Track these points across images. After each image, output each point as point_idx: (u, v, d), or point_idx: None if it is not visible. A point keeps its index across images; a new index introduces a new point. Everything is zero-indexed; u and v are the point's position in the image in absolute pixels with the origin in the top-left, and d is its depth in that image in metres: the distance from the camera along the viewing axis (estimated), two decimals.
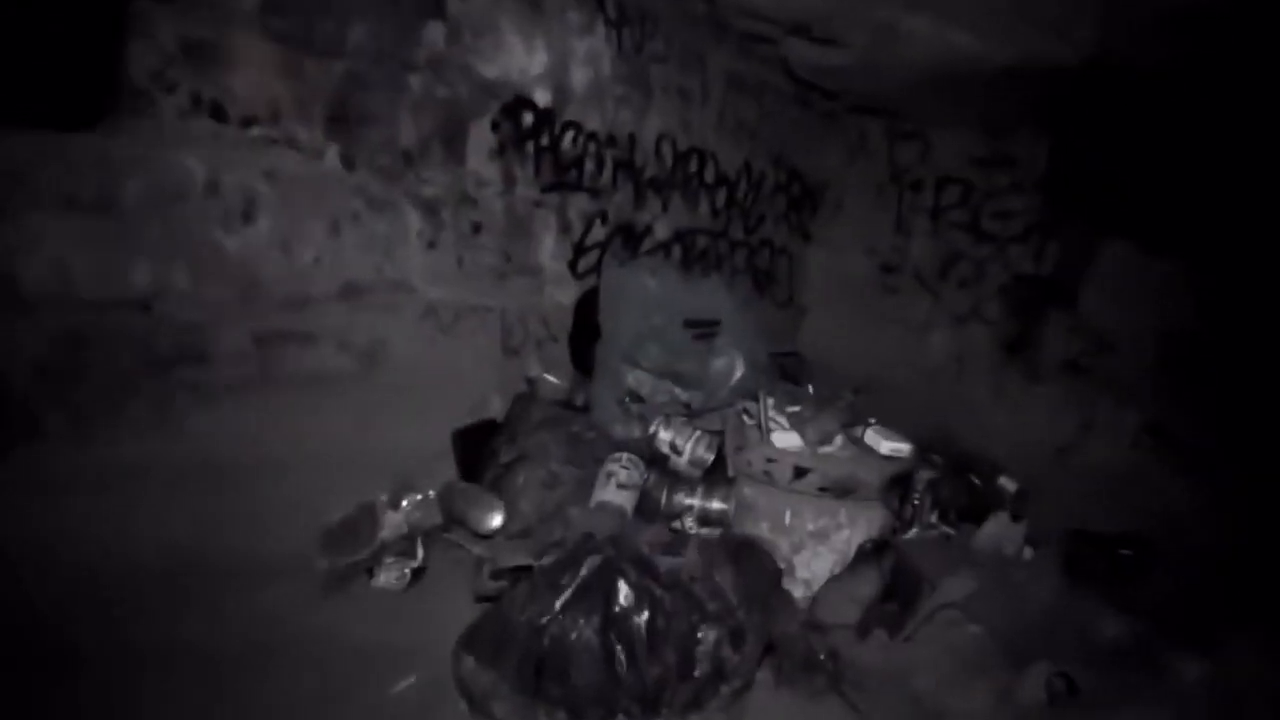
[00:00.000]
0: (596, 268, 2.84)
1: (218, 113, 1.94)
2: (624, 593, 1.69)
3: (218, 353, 2.07)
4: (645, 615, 1.67)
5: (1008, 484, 2.95)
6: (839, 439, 2.20)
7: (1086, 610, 1.84)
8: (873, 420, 2.31)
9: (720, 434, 2.34)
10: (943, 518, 2.46)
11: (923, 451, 3.12)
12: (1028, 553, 2.30)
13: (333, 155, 2.18)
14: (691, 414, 2.38)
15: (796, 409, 2.28)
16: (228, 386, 2.08)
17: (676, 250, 3.11)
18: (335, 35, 2.15)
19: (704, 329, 2.47)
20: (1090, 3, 2.25)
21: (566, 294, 2.76)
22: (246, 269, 2.08)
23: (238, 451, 2.06)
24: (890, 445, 2.16)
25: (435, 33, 2.32)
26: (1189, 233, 2.85)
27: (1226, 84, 2.55)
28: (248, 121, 2.00)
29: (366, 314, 2.32)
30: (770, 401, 2.35)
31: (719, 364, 2.39)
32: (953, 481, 2.70)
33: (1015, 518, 2.36)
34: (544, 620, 1.64)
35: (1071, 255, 3.16)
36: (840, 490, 2.08)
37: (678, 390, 2.38)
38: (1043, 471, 3.04)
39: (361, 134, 2.22)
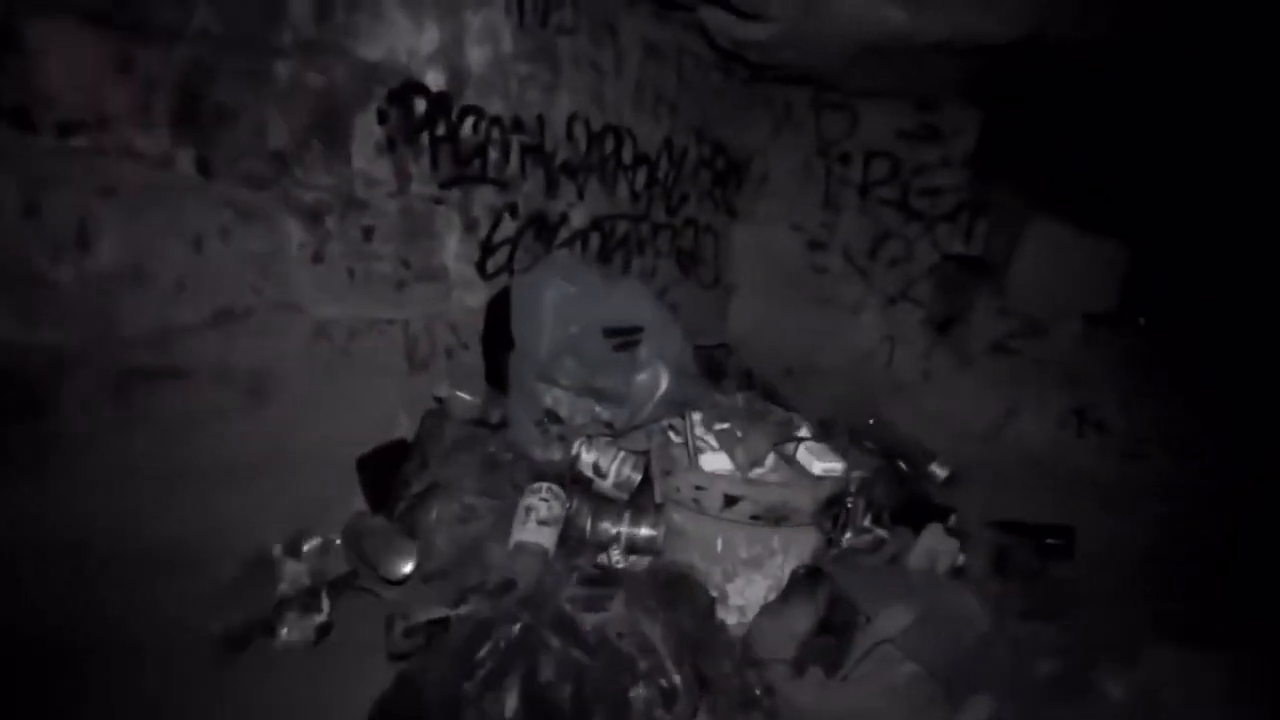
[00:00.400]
0: (508, 265, 2.60)
1: (22, 120, 1.59)
2: (546, 665, 1.57)
3: (63, 401, 1.78)
4: (570, 688, 1.56)
5: (939, 470, 2.97)
6: (770, 459, 2.10)
7: (1020, 638, 1.82)
8: (805, 434, 2.22)
9: (647, 453, 2.22)
10: (876, 520, 2.42)
11: (853, 437, 3.12)
12: (961, 558, 2.29)
13: (186, 162, 1.86)
14: (615, 434, 2.23)
15: (725, 426, 2.17)
16: (81, 438, 1.80)
17: (595, 239, 2.88)
18: (174, 16, 1.80)
19: (625, 337, 2.30)
20: None
21: (476, 297, 2.52)
22: (89, 303, 1.77)
23: (99, 511, 1.81)
24: (823, 465, 2.07)
25: (302, 9, 1.98)
26: (1118, 212, 2.84)
27: (1159, 62, 2.48)
28: (67, 129, 1.67)
29: (247, 340, 2.04)
30: (697, 418, 2.22)
31: (642, 378, 2.23)
32: (885, 480, 2.67)
33: (950, 531, 2.35)
34: (462, 699, 1.52)
35: (1000, 235, 3.12)
36: (773, 518, 1.99)
37: (599, 409, 2.22)
38: (972, 453, 3.07)
39: (220, 135, 1.90)
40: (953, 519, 2.59)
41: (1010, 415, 3.09)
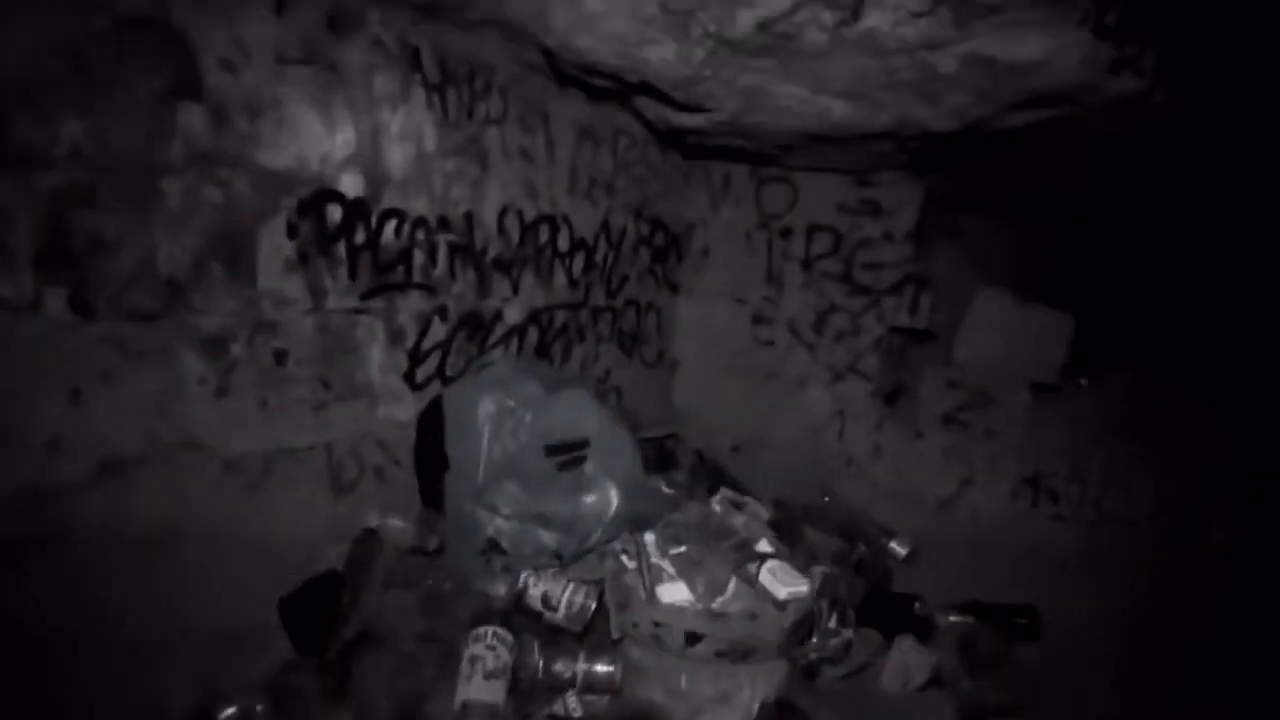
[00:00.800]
0: (439, 372, 2.40)
1: None
2: None
3: None
4: None
5: (898, 548, 2.91)
6: (732, 585, 1.97)
7: None
8: (769, 550, 2.11)
9: (601, 581, 2.05)
10: (841, 620, 2.32)
11: (808, 515, 3.03)
12: (931, 658, 2.21)
13: (57, 302, 1.62)
14: (563, 563, 2.06)
15: (681, 550, 2.03)
16: None
17: (532, 333, 2.71)
18: (36, 139, 1.57)
19: (570, 453, 2.14)
20: (965, 82, 2.07)
21: (405, 410, 2.32)
22: None
23: None
24: (788, 589, 1.95)
25: (193, 119, 1.77)
26: (1063, 281, 2.87)
27: (1094, 137, 2.51)
28: None
29: (140, 492, 1.79)
30: (650, 541, 2.08)
31: (590, 500, 2.07)
32: (847, 572, 2.58)
33: (916, 620, 2.27)
34: None
35: (946, 307, 3.10)
36: (738, 653, 1.86)
37: (544, 536, 2.05)
38: (928, 527, 3.02)
39: (98, 269, 1.66)
40: (917, 606, 2.54)
41: (964, 487, 3.06)
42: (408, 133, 2.17)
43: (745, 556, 2.04)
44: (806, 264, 3.20)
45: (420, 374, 2.34)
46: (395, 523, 2.19)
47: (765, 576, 1.99)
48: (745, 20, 1.94)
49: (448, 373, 2.42)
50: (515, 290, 2.61)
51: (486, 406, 2.14)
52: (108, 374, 1.72)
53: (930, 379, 3.10)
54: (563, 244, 2.79)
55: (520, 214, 2.57)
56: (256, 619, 2.05)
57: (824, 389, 3.24)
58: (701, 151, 3.10)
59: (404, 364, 2.30)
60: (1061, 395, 3.04)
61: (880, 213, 3.01)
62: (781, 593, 1.95)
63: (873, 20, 1.93)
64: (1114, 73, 2.19)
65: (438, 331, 2.37)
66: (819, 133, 2.40)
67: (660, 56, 2.10)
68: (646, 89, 2.27)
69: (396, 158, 2.15)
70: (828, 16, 1.93)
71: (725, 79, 2.14)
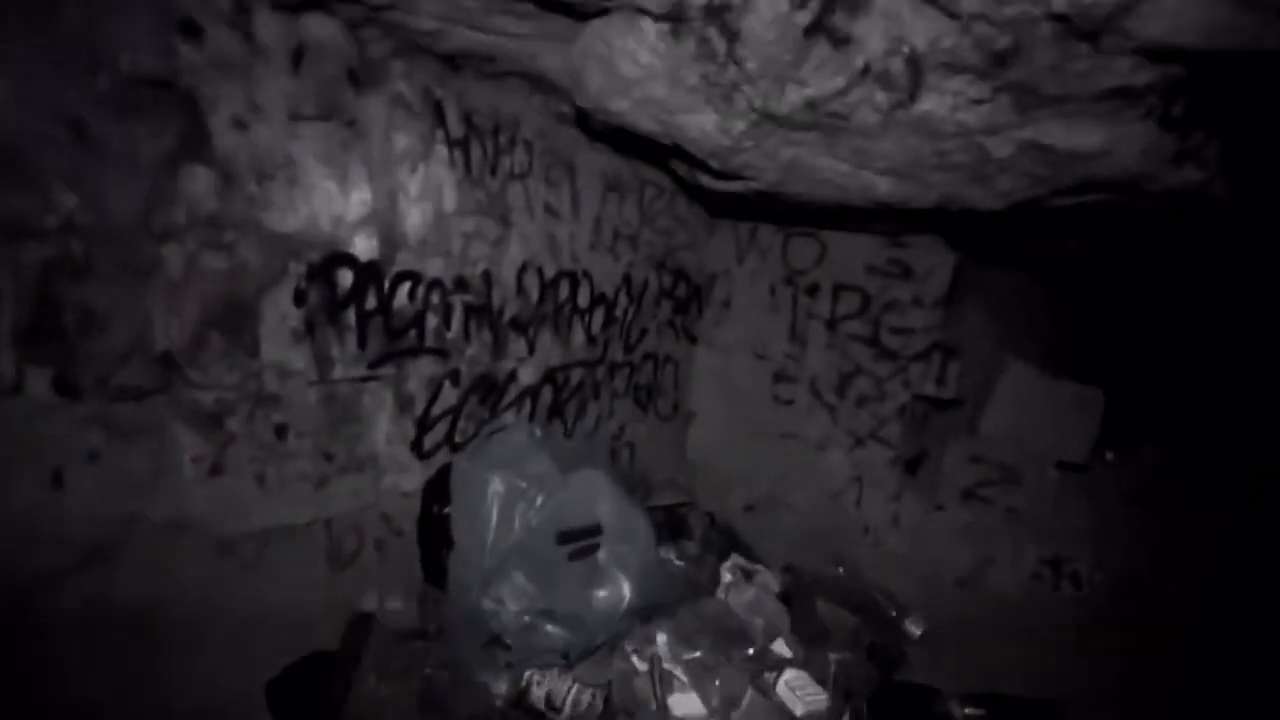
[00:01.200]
0: (448, 439, 2.29)
1: None
2: None
3: None
4: None
5: (912, 628, 2.80)
6: (748, 697, 1.86)
7: None
8: (787, 654, 2.00)
9: (608, 684, 1.94)
10: (855, 715, 2.21)
11: (819, 587, 2.92)
12: None
13: (40, 383, 1.50)
14: (569, 663, 1.95)
15: (695, 655, 1.92)
16: None
17: (546, 393, 2.59)
18: (26, 208, 1.45)
19: (582, 541, 2.03)
20: (1019, 166, 1.95)
21: (411, 480, 2.20)
22: None
23: None
24: (805, 707, 1.84)
25: (199, 183, 1.65)
26: (1094, 358, 2.75)
27: (1145, 223, 2.40)
28: None
29: (125, 577, 1.68)
30: (663, 642, 1.97)
31: (602, 595, 1.96)
32: (861, 659, 2.48)
33: None
34: None
35: (974, 378, 2.98)
36: None
37: (553, 634, 1.93)
38: (945, 605, 2.91)
39: (87, 345, 1.54)
40: (936, 703, 2.43)
41: (983, 565, 2.95)
42: (427, 192, 2.04)
43: (762, 667, 1.93)
44: (831, 323, 3.08)
45: (428, 441, 2.22)
46: (394, 605, 2.07)
47: (782, 689, 1.89)
48: (794, 97, 1.81)
49: (457, 439, 2.31)
50: (531, 350, 2.49)
51: (495, 486, 2.02)
52: (95, 454, 1.60)
53: (954, 451, 2.98)
54: (583, 300, 2.67)
55: (540, 271, 2.45)
56: (242, 703, 1.94)
57: (844, 454, 3.12)
58: (730, 210, 2.97)
59: (412, 432, 2.18)
60: (1088, 474, 2.93)
61: (911, 276, 2.88)
62: (799, 709, 1.84)
63: (929, 104, 1.81)
64: (1176, 164, 2.08)
65: (449, 397, 2.25)
66: (860, 206, 2.28)
67: (699, 125, 1.97)
68: (681, 153, 2.14)
69: (414, 218, 2.03)
70: (882, 99, 1.80)
71: (767, 151, 2.01)
